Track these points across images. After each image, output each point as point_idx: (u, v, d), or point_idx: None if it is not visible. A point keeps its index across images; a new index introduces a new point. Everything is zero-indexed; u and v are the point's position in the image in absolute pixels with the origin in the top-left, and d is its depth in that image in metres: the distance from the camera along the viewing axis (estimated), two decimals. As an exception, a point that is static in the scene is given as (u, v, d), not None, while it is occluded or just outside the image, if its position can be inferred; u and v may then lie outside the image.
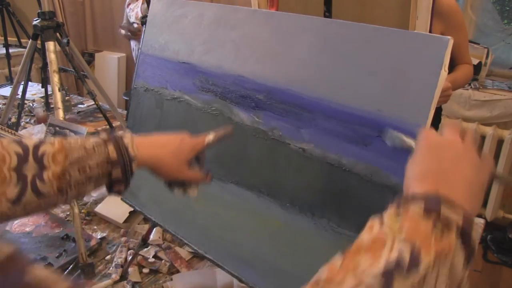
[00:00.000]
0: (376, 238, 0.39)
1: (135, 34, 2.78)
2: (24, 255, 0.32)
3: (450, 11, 1.30)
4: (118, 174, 0.61)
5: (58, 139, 0.59)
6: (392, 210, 0.41)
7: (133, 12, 2.80)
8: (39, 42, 1.62)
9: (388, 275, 0.35)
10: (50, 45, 1.39)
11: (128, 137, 0.64)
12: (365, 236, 0.40)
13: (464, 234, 0.38)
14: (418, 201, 0.40)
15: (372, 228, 0.40)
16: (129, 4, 2.88)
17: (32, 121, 2.01)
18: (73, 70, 1.68)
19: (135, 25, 2.81)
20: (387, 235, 0.38)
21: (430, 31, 1.27)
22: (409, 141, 0.58)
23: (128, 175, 0.62)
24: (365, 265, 0.36)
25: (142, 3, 2.74)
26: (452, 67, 1.39)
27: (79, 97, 2.43)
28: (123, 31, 2.95)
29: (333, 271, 0.38)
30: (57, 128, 1.17)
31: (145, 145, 0.65)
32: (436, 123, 1.62)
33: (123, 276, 1.01)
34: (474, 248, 0.38)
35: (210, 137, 0.73)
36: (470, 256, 0.38)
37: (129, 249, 1.10)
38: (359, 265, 0.37)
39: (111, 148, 0.61)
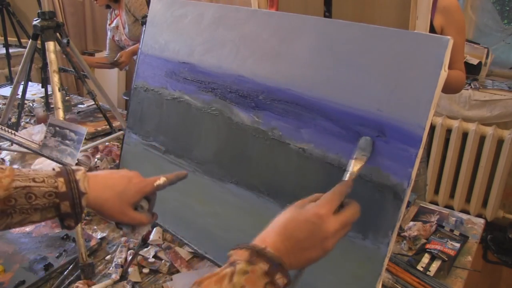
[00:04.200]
0: None
1: (117, 65, 2.53)
2: None
3: (451, 8, 1.33)
4: (67, 208, 0.63)
5: (10, 167, 0.62)
6: (242, 266, 0.48)
7: (121, 41, 2.61)
8: (39, 42, 1.62)
9: None
10: (50, 45, 1.39)
11: (80, 173, 0.65)
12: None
13: None
14: (264, 263, 0.49)
15: (222, 282, 0.47)
16: (113, 36, 2.66)
17: (32, 121, 2.01)
18: (73, 70, 1.68)
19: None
20: None
21: (431, 25, 1.28)
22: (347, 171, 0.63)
23: (78, 210, 0.63)
24: None
25: (124, 28, 2.54)
26: None
27: (79, 97, 2.42)
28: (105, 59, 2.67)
29: None
30: (57, 128, 1.17)
31: (97, 183, 0.67)
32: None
33: (123, 276, 1.01)
34: None
35: (160, 180, 0.73)
36: None
37: (129, 249, 1.10)
38: None
39: (60, 181, 0.63)
